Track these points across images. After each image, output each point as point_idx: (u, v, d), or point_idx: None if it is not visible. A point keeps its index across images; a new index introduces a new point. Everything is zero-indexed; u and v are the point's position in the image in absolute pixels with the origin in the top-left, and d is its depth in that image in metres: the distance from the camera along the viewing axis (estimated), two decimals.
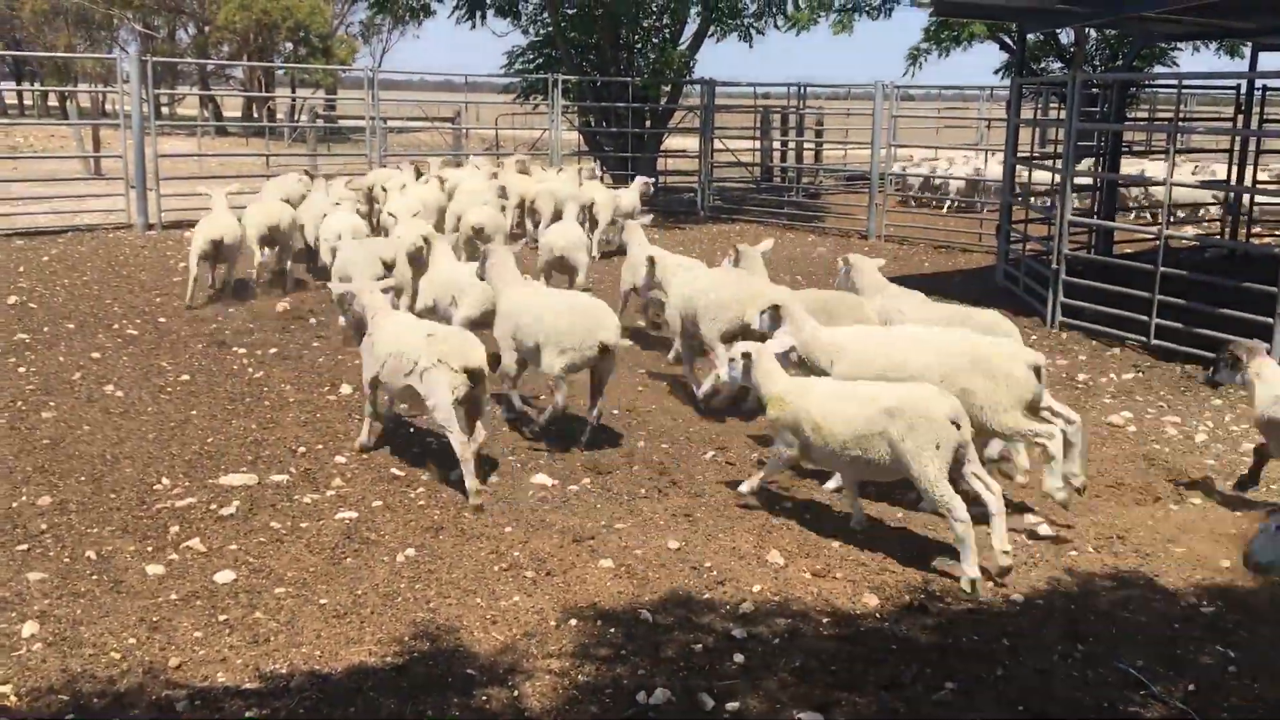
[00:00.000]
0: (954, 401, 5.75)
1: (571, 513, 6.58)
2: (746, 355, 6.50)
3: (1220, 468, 7.67)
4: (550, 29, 25.97)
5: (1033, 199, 15.99)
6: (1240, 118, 15.65)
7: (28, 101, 57.15)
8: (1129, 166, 19.17)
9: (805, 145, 26.71)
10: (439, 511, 6.56)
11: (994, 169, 19.82)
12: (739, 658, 4.87)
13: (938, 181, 22.58)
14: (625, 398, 8.98)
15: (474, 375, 6.66)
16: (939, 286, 14.21)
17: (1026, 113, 17.74)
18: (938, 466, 5.61)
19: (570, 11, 25.19)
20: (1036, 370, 6.44)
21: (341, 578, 5.65)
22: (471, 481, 6.59)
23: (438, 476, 7.13)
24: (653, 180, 19.36)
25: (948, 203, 22.03)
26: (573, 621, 5.20)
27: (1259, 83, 15.32)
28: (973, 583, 5.56)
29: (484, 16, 26.57)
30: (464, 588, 5.56)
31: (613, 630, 5.12)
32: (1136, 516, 6.72)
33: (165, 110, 41.00)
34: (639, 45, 26.38)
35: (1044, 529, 6.46)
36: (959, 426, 5.65)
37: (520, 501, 6.74)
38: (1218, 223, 17.45)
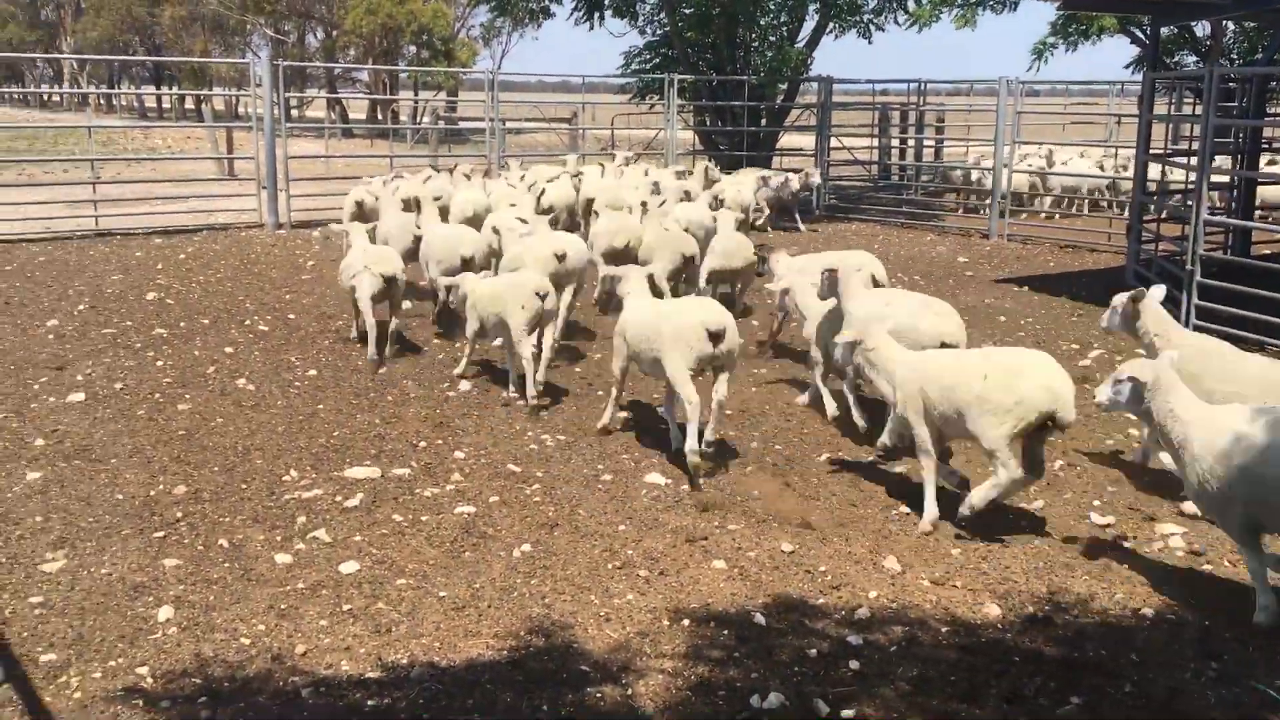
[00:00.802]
0: None
1: (684, 512, 6.59)
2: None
3: None
4: (667, 29, 26.03)
5: (1167, 198, 15.40)
6: None
7: (165, 105, 59.75)
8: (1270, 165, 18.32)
9: (925, 143, 26.21)
10: (554, 508, 6.64)
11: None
12: (854, 664, 4.80)
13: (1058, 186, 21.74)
14: (739, 399, 8.95)
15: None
16: (1063, 286, 13.82)
17: (1159, 109, 17.09)
18: None
19: (688, 11, 25.20)
20: None
21: (460, 571, 5.76)
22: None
23: (552, 474, 7.21)
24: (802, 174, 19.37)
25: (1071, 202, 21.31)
26: (685, 622, 5.21)
27: None
28: None
29: (602, 18, 26.79)
30: (578, 584, 5.62)
31: (725, 632, 5.11)
32: None
33: (295, 113, 42.40)
34: (756, 44, 26.25)
35: (1177, 540, 6.22)
36: None
37: (633, 500, 6.78)
38: None
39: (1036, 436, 6.14)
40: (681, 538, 6.18)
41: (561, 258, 9.60)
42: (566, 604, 5.40)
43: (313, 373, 9.57)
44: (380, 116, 42.42)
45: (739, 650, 4.94)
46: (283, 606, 5.34)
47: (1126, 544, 6.19)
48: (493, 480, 7.10)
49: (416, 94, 48.90)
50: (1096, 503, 6.82)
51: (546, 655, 4.90)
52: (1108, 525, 6.45)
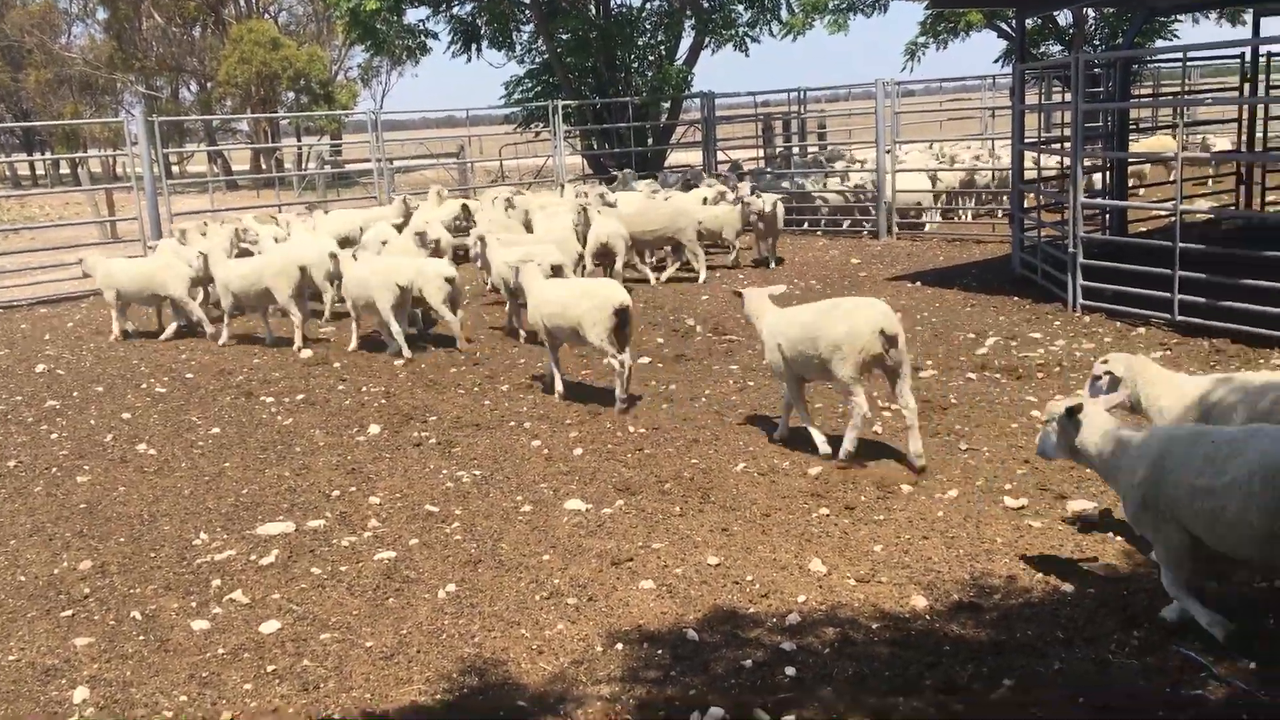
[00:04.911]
0: None
1: (608, 536, 6.57)
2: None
3: None
4: (546, 56, 26.14)
5: (1043, 184, 15.90)
6: (1246, 86, 15.54)
7: (40, 171, 57.90)
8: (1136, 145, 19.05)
9: (809, 149, 26.68)
10: (475, 545, 6.55)
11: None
12: (791, 670, 4.83)
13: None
14: (650, 417, 8.97)
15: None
16: (954, 279, 14.16)
17: (1031, 99, 17.67)
18: None
19: (564, 37, 25.34)
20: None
21: (385, 618, 5.64)
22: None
23: (471, 510, 7.13)
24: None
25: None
26: (619, 646, 5.18)
27: (1263, 49, 15.20)
28: None
29: (479, 49, 26.80)
30: (507, 619, 5.55)
31: (660, 651, 5.09)
32: None
33: (175, 169, 41.43)
34: (635, 64, 26.51)
35: (1091, 514, 6.39)
36: None
37: (555, 528, 6.73)
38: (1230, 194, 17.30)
39: (890, 373, 7.27)
40: (607, 561, 6.16)
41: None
42: (497, 641, 5.34)
43: (216, 431, 9.33)
44: (264, 166, 41.70)
45: (675, 668, 4.93)
46: (204, 674, 5.17)
47: (1041, 524, 6.34)
48: (411, 523, 6.99)
49: (299, 140, 48.15)
50: (1008, 486, 6.97)
51: (481, 695, 4.83)
52: (1021, 508, 6.60)
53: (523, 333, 12.01)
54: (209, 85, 48.29)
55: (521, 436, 8.66)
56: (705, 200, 16.50)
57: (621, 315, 8.81)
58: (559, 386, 9.65)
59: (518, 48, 27.64)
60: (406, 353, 11.38)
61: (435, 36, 28.16)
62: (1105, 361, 6.16)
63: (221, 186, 38.73)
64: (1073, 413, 5.29)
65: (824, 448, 7.63)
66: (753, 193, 16.55)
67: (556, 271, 11.02)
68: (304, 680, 5.06)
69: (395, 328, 11.45)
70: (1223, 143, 20.84)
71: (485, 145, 31.25)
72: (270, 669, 5.19)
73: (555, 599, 5.74)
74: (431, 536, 6.74)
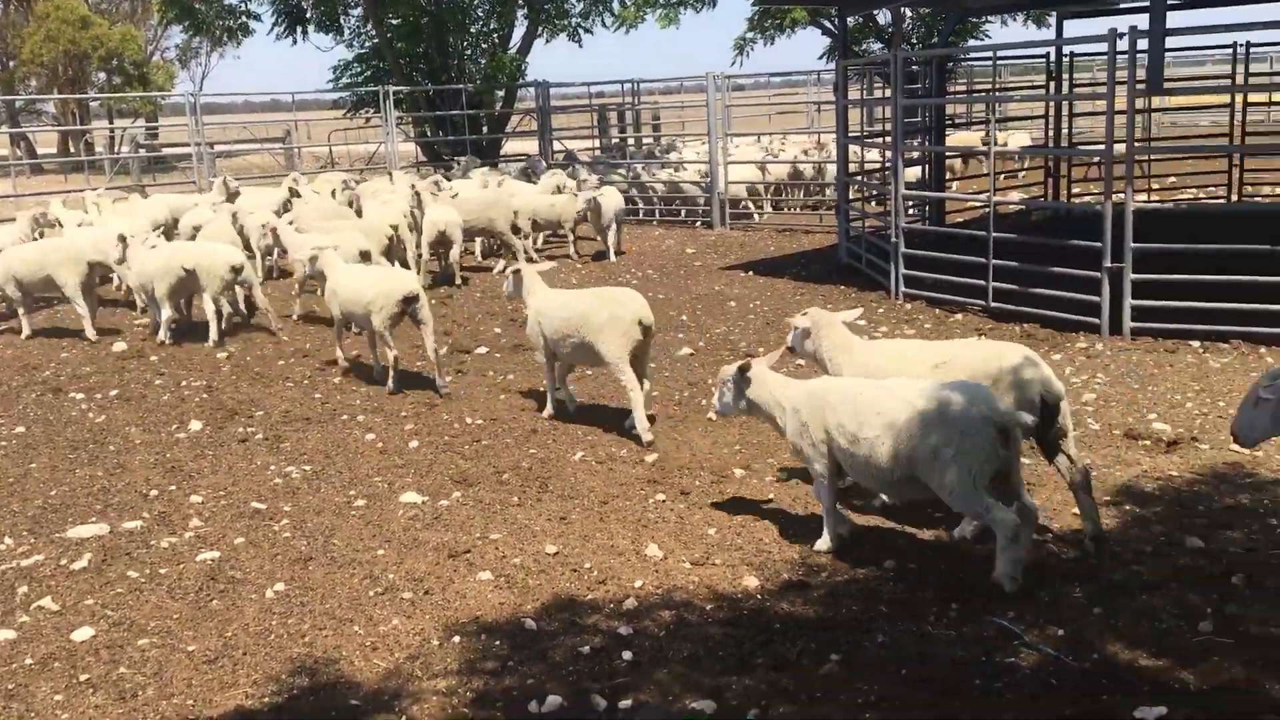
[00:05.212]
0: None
1: (445, 528, 6.47)
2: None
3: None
4: (376, 41, 25.56)
5: (866, 176, 16.44)
6: (1052, 84, 16.42)
7: None
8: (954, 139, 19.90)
9: (643, 140, 26.89)
10: (306, 542, 6.36)
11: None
12: (628, 655, 4.86)
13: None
14: (488, 407, 8.89)
15: None
16: (785, 269, 14.53)
17: (854, 94, 18.24)
18: None
19: (395, 22, 24.81)
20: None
21: (209, 621, 5.42)
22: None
23: (301, 506, 6.92)
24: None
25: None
26: (456, 639, 5.11)
27: (1066, 49, 16.09)
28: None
29: (305, 33, 26.01)
30: (340, 617, 5.41)
31: (498, 642, 5.05)
32: None
33: None
34: (469, 52, 26.21)
35: None
36: None
37: (390, 522, 6.60)
38: (1040, 185, 18.26)
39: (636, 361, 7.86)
40: (444, 554, 6.07)
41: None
42: (329, 639, 5.19)
43: (20, 430, 8.77)
44: (73, 149, 39.37)
45: (513, 658, 4.90)
46: (10, 687, 4.86)
47: (863, 502, 6.55)
48: (236, 521, 6.73)
49: (111, 122, 45.66)
50: None
51: (312, 695, 4.69)
52: (847, 487, 6.80)
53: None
54: (10, 64, 45.29)
55: (355, 430, 8.45)
56: (559, 189, 16.40)
57: (409, 304, 9.04)
58: (341, 358, 10.15)
59: (346, 31, 26.92)
60: (165, 338, 11.32)
61: (258, 18, 27.21)
62: (804, 315, 6.81)
63: (25, 170, 36.40)
64: (743, 370, 6.08)
65: (548, 410, 8.54)
66: (582, 185, 16.52)
67: (364, 257, 11.29)
68: (120, 689, 4.81)
69: (166, 313, 11.25)
70: (1018, 139, 21.96)
71: (314, 130, 30.33)
72: (83, 678, 4.91)
73: (390, 594, 5.63)
74: (259, 535, 6.51)
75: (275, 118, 35.03)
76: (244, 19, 26.59)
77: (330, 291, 9.81)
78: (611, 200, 15.84)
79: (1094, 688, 4.38)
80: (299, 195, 15.28)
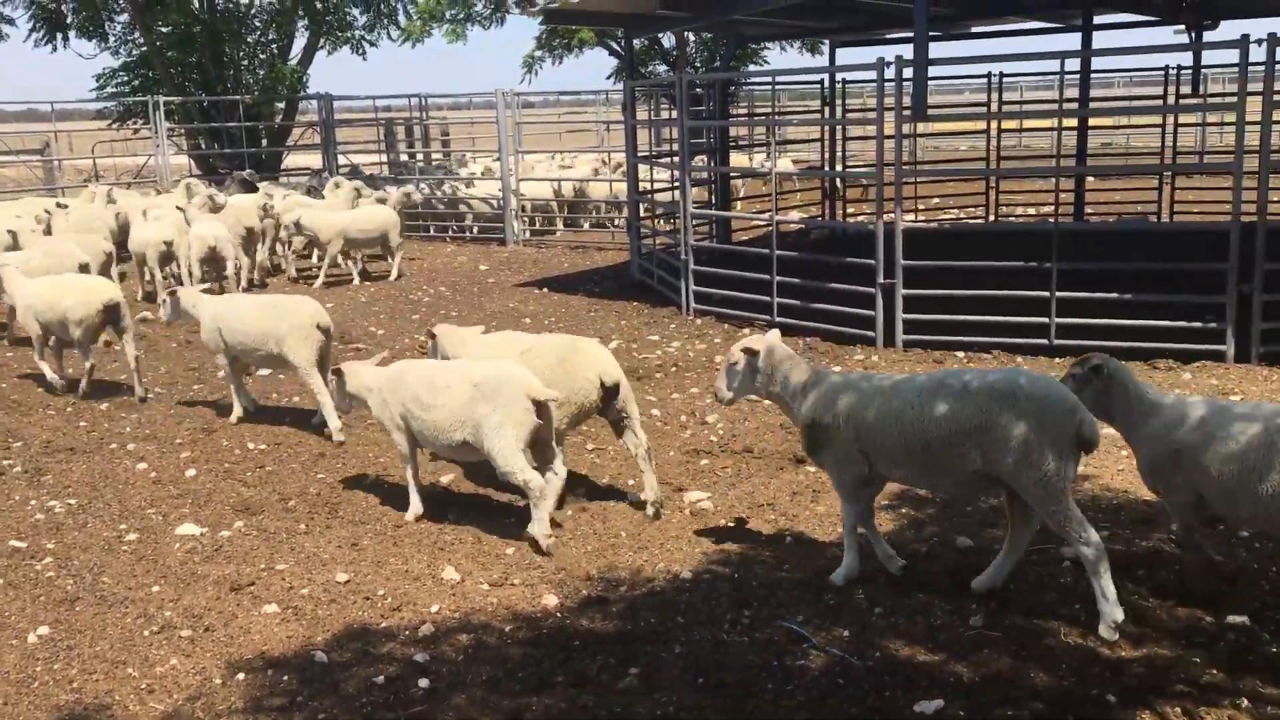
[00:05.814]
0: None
1: (226, 560, 6.16)
2: None
3: None
4: (145, 49, 24.29)
5: (656, 195, 16.75)
6: (827, 109, 17.19)
7: None
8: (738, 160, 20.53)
9: (433, 155, 26.55)
10: (72, 581, 5.93)
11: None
12: (424, 682, 4.75)
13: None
14: (271, 432, 8.54)
15: None
16: (579, 285, 14.62)
17: (641, 114, 18.59)
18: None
19: (165, 30, 23.63)
20: None
21: None
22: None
23: (66, 543, 6.45)
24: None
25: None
26: (240, 676, 4.87)
27: (839, 76, 16.88)
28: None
29: (66, 39, 24.47)
30: (111, 660, 5.07)
31: (286, 677, 4.84)
32: (781, 482, 7.20)
33: None
34: (246, 62, 25.26)
35: (704, 504, 6.78)
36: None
37: (166, 556, 6.23)
38: (817, 206, 19.05)
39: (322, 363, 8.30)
40: (225, 588, 5.78)
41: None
42: (100, 684, 4.85)
43: None
44: None
45: (303, 693, 4.70)
46: None
47: (662, 515, 6.64)
48: None
49: None
50: (630, 483, 7.26)
51: None
52: (643, 502, 6.88)
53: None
54: None
55: (125, 459, 7.96)
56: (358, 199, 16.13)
57: (111, 311, 9.23)
58: (53, 379, 9.72)
59: (111, 38, 25.42)
60: None
61: (12, 23, 25.38)
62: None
63: None
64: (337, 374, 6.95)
65: (237, 410, 8.83)
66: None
67: (83, 269, 11.20)
68: None
69: None
70: (783, 164, 22.85)
71: (75, 142, 28.45)
72: None
73: (166, 632, 5.31)
74: (18, 575, 6.02)
75: (33, 128, 32.69)
76: None
77: (24, 308, 9.61)
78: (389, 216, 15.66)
79: (877, 685, 4.58)
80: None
